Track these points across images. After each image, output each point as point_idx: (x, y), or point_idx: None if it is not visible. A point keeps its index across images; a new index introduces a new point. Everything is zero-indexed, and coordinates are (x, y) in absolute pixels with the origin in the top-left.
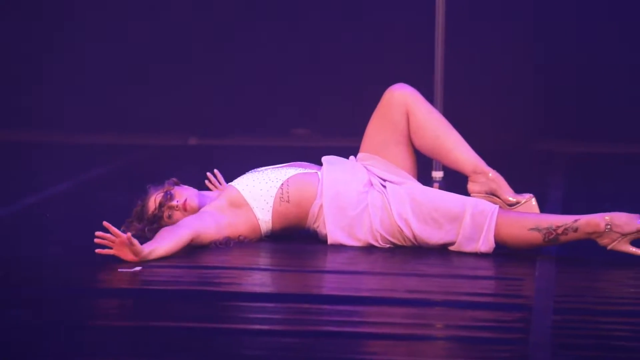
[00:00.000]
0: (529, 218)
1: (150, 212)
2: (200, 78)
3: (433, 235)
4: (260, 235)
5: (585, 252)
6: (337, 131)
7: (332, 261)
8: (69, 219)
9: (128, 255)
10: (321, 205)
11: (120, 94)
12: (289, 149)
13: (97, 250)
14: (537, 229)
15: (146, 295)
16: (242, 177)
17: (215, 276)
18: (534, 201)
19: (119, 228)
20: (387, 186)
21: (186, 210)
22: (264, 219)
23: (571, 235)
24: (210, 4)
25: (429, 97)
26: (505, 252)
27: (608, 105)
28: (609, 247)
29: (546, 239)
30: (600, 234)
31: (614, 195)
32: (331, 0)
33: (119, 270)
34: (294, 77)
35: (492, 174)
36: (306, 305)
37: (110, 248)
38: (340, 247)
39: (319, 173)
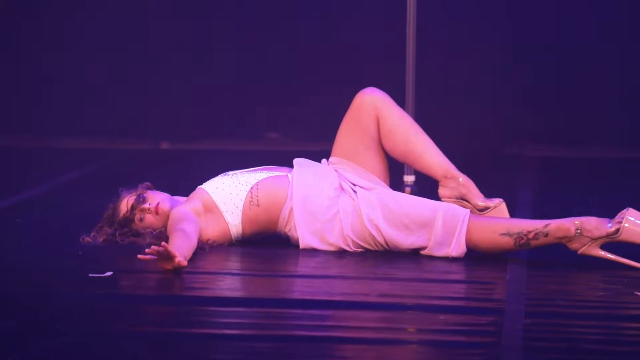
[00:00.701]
0: (500, 223)
1: (121, 214)
2: (171, 82)
3: (404, 241)
4: (231, 240)
5: (556, 255)
6: (309, 135)
7: (303, 265)
8: (40, 223)
9: (168, 265)
10: (291, 209)
11: (92, 98)
12: (261, 153)
13: (139, 256)
14: (509, 234)
15: (115, 300)
16: (212, 180)
17: (186, 281)
18: (503, 206)
19: (88, 233)
20: (358, 191)
21: (158, 213)
22: (234, 223)
23: (542, 240)
24: (187, 9)
25: (401, 101)
26: (476, 256)
27: (578, 109)
28: (579, 252)
29: (517, 244)
30: (571, 238)
31: (583, 199)
32: (304, 5)
33: (89, 275)
34: (266, 81)
35: (462, 178)
36: (278, 310)
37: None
38: (311, 252)
39: (289, 175)
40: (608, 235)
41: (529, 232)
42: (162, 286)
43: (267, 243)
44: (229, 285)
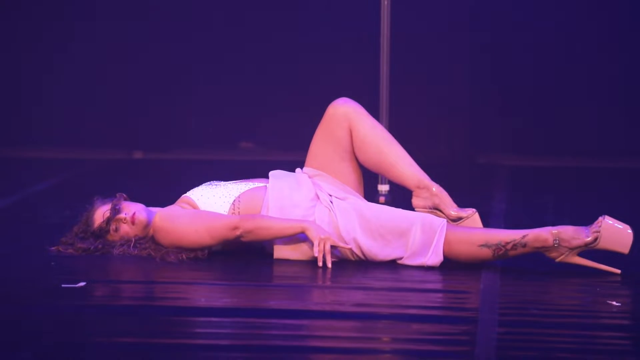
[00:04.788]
0: (478, 234)
1: (96, 225)
2: (145, 91)
3: (381, 252)
4: (211, 248)
5: (530, 264)
6: (283, 145)
7: (279, 275)
8: (12, 233)
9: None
10: None
11: (65, 107)
12: (236, 162)
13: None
14: (487, 245)
15: (89, 311)
16: (196, 188)
17: (161, 291)
18: (477, 216)
19: (61, 243)
20: (334, 202)
21: (134, 223)
22: None
23: (520, 250)
24: (165, 19)
25: (375, 111)
26: (451, 265)
27: (551, 119)
28: (557, 260)
29: (495, 255)
30: (548, 248)
31: (555, 207)
32: (278, 16)
33: (62, 285)
34: (241, 90)
35: (435, 188)
36: (253, 320)
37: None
38: (286, 261)
39: (267, 186)
40: (586, 245)
41: (507, 243)
42: (136, 296)
43: (242, 252)
44: (204, 295)
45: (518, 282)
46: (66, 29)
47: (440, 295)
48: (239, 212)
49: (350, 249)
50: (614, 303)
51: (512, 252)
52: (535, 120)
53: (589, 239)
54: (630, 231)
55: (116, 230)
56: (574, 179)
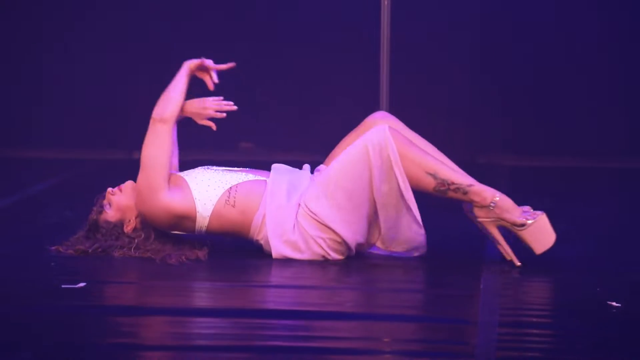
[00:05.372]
0: (430, 162)
1: (91, 220)
2: (144, 92)
3: (350, 215)
4: (193, 230)
5: (530, 263)
6: (282, 145)
7: (277, 275)
8: (12, 233)
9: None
10: (264, 216)
11: (65, 107)
12: (235, 163)
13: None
14: (434, 176)
15: (88, 311)
16: (192, 170)
17: (160, 292)
18: (544, 218)
19: (61, 244)
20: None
21: (121, 190)
22: (203, 214)
23: (459, 195)
24: (164, 18)
25: (374, 110)
26: (451, 265)
27: (550, 120)
28: (478, 219)
29: (436, 189)
30: (482, 206)
31: (554, 207)
32: (279, 18)
33: (62, 286)
34: (240, 90)
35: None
36: (252, 320)
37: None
38: (285, 261)
39: (267, 180)
40: (513, 224)
41: (453, 183)
42: (135, 297)
43: (240, 252)
44: (202, 296)
45: (518, 283)
46: (66, 28)
47: (440, 296)
48: (234, 201)
49: (329, 227)
50: (614, 304)
51: (451, 194)
52: (535, 120)
53: (519, 220)
54: (554, 239)
55: (110, 205)
56: (573, 179)
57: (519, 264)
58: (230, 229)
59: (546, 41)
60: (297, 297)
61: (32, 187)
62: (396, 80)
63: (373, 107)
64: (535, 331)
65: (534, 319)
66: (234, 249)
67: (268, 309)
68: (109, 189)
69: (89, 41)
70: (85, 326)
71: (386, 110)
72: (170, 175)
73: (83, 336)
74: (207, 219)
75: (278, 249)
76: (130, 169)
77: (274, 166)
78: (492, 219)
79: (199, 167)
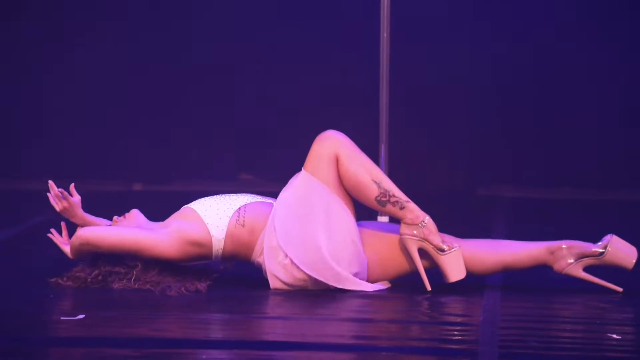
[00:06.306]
0: (378, 172)
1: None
2: (145, 124)
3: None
4: (210, 255)
5: (530, 292)
6: (282, 176)
7: (276, 306)
8: (11, 266)
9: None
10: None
11: (65, 139)
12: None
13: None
14: (379, 185)
15: (88, 342)
16: (198, 200)
17: (159, 323)
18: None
19: (60, 276)
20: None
21: (125, 217)
22: (218, 237)
23: (395, 209)
24: (161, 50)
25: (374, 141)
26: (450, 294)
27: (552, 152)
28: (402, 236)
29: (377, 198)
30: (413, 224)
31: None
32: (278, 45)
33: (61, 318)
34: (240, 122)
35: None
36: (251, 352)
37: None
38: (284, 292)
39: (274, 204)
40: (436, 247)
41: (394, 196)
42: (134, 328)
43: (239, 284)
44: (202, 327)
45: (517, 312)
46: (64, 58)
47: (439, 327)
48: (243, 221)
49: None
50: (614, 336)
51: (388, 207)
52: (538, 152)
53: (442, 245)
54: (465, 274)
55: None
56: (574, 210)
57: (429, 288)
58: (242, 251)
59: (547, 73)
60: (296, 329)
61: (31, 220)
62: (396, 110)
63: (372, 137)
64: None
65: (534, 351)
66: (233, 280)
67: (267, 341)
68: (115, 217)
69: (87, 73)
70: (84, 358)
71: (386, 142)
72: (179, 213)
73: None
74: (223, 242)
75: (275, 280)
76: (129, 201)
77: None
78: (418, 239)
79: (205, 197)
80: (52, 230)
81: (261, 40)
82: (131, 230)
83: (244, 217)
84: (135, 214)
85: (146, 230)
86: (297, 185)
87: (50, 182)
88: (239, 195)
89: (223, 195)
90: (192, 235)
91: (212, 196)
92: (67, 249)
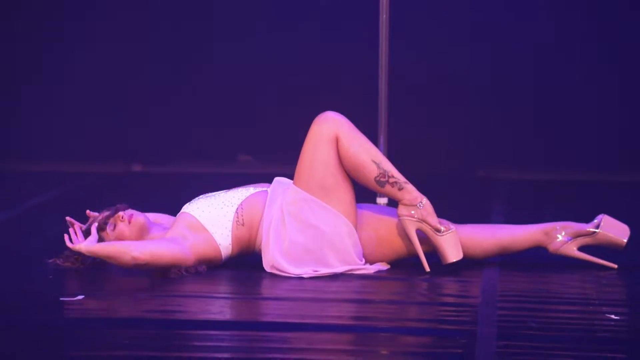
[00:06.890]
0: (376, 150)
1: (95, 221)
2: (143, 104)
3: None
4: (221, 260)
5: (527, 273)
6: (280, 157)
7: (275, 288)
8: (10, 247)
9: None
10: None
11: (64, 120)
12: (234, 175)
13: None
14: (378, 165)
15: (87, 324)
16: (194, 202)
17: (159, 304)
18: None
19: (59, 256)
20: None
21: (130, 222)
22: (225, 244)
23: (393, 190)
24: (162, 28)
25: (373, 124)
26: (448, 276)
27: (551, 133)
28: (400, 217)
29: (377, 179)
30: (411, 204)
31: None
32: (278, 26)
33: (60, 299)
34: (240, 102)
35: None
36: (251, 332)
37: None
38: (284, 275)
39: (268, 190)
40: (433, 227)
41: (393, 176)
42: (135, 310)
43: (239, 265)
44: (202, 308)
45: (516, 293)
46: (66, 48)
47: (438, 308)
48: (242, 220)
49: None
50: (612, 316)
51: (387, 187)
52: (537, 133)
53: (439, 225)
54: (462, 255)
55: (113, 228)
56: (573, 192)
57: (428, 269)
58: (246, 247)
59: (546, 54)
60: (295, 309)
61: (31, 200)
62: (395, 93)
63: (371, 120)
64: (533, 344)
65: (532, 332)
66: (232, 261)
67: (267, 322)
68: (121, 214)
69: (88, 54)
70: (83, 338)
71: (385, 124)
72: (180, 221)
73: (81, 348)
74: (230, 248)
75: (274, 256)
76: (128, 182)
77: (277, 179)
78: (415, 219)
79: (198, 197)
80: (73, 221)
81: (260, 35)
82: (170, 248)
83: (242, 216)
84: (139, 220)
85: (175, 245)
86: (290, 202)
87: (69, 218)
88: (233, 191)
89: (217, 194)
90: (206, 253)
91: (206, 197)
92: (83, 247)
